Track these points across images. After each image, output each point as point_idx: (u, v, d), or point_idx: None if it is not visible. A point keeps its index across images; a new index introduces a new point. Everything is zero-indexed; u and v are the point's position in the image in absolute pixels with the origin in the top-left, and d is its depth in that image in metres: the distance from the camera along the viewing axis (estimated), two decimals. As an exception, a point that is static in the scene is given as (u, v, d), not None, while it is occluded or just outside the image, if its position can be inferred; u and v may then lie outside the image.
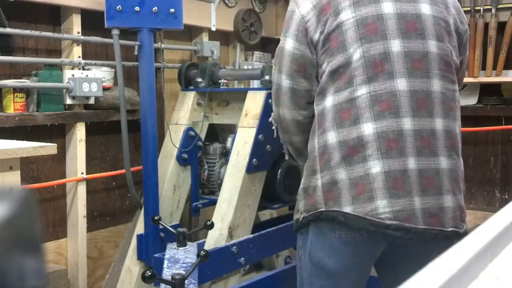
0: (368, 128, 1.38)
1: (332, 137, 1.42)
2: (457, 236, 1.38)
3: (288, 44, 1.50)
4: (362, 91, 1.39)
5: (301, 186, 1.54)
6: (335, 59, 1.42)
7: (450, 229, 1.39)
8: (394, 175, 1.36)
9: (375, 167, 1.36)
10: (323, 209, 1.42)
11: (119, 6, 2.19)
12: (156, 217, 2.23)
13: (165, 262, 1.94)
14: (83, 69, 2.42)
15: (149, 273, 1.58)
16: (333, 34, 1.42)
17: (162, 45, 2.62)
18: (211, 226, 2.11)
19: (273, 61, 1.61)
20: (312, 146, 1.48)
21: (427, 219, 1.37)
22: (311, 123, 1.52)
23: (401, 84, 1.38)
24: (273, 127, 1.90)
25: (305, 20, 1.46)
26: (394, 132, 1.37)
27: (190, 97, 2.58)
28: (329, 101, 1.43)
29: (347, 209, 1.38)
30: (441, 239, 1.38)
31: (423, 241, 1.39)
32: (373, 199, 1.36)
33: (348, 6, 1.42)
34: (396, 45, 1.39)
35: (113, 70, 2.49)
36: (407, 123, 1.38)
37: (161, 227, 2.27)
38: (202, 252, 1.80)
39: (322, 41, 1.44)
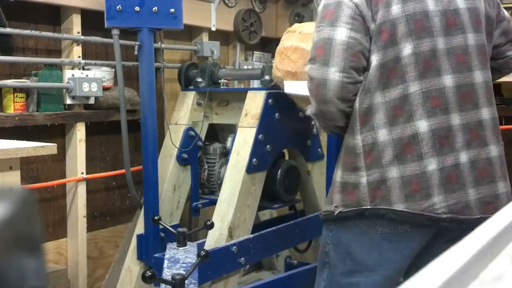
0: (422, 125, 1.39)
1: (383, 134, 1.40)
2: None
3: (340, 33, 1.40)
4: (415, 88, 1.40)
5: (337, 179, 1.50)
6: (386, 53, 1.41)
7: None
8: (448, 170, 1.40)
9: (431, 164, 1.39)
10: (369, 207, 1.42)
11: (119, 6, 2.19)
12: (156, 217, 2.23)
13: (165, 262, 1.94)
14: (83, 69, 2.42)
15: (149, 273, 1.58)
16: (384, 26, 1.40)
17: (162, 45, 2.62)
18: (211, 226, 2.11)
19: (310, 53, 1.47)
20: (353, 143, 1.45)
21: (482, 207, 1.42)
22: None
23: (448, 80, 1.42)
24: (313, 122, 1.84)
25: (360, 9, 1.41)
26: (444, 128, 1.41)
27: (190, 97, 2.58)
28: (378, 97, 1.41)
29: (400, 206, 1.39)
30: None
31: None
32: (430, 196, 1.39)
33: (398, 0, 1.41)
34: (440, 42, 1.42)
35: (113, 70, 2.49)
36: (455, 119, 1.42)
37: (161, 227, 2.27)
38: (202, 252, 1.80)
39: (374, 32, 1.41)
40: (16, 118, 2.18)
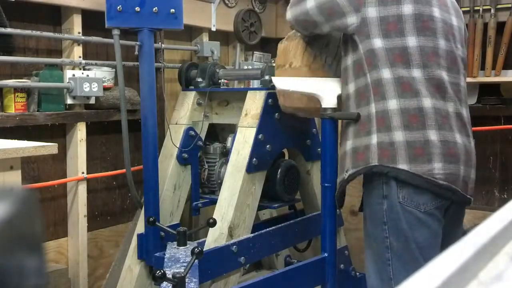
0: (427, 102, 1.60)
1: (393, 104, 1.60)
2: (469, 203, 1.72)
3: None
4: (419, 74, 1.62)
5: (347, 148, 1.70)
6: (393, 42, 1.62)
7: (469, 196, 1.70)
8: (448, 144, 1.61)
9: (433, 135, 1.59)
10: (376, 164, 1.61)
11: (120, 6, 2.19)
12: (151, 219, 2.22)
13: (165, 261, 1.94)
14: (84, 69, 2.42)
15: (160, 273, 1.59)
16: (391, 18, 1.62)
17: (163, 45, 2.62)
18: (214, 223, 2.11)
19: None
20: (368, 111, 1.65)
21: (463, 185, 1.65)
22: None
23: (444, 75, 1.65)
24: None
25: None
26: (444, 111, 1.63)
27: (190, 97, 2.58)
28: (388, 73, 1.62)
29: (403, 166, 1.58)
30: (464, 203, 1.73)
31: (458, 204, 1.69)
32: (431, 161, 1.58)
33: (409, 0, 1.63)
34: (442, 44, 1.66)
35: (114, 70, 2.49)
36: (450, 107, 1.65)
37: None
38: (196, 249, 1.80)
39: (379, 19, 1.62)
40: (17, 118, 2.18)
